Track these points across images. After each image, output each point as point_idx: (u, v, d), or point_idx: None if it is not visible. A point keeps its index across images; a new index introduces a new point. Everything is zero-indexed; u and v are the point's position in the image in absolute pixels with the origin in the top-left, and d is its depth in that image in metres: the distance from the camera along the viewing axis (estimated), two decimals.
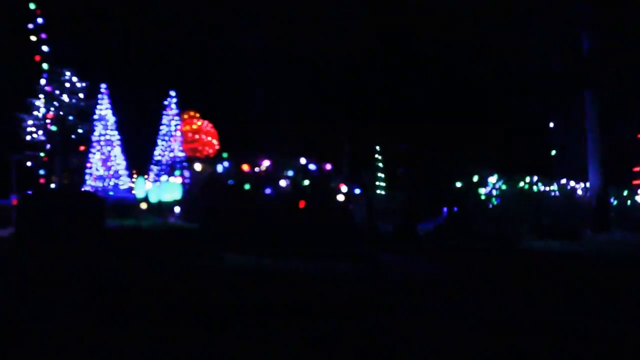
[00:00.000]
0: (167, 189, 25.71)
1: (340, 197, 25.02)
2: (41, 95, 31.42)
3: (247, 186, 23.93)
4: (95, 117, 34.30)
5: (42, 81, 31.12)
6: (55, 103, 31.95)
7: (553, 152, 41.17)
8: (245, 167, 24.44)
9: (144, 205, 27.09)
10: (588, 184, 33.08)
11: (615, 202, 36.90)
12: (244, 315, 10.22)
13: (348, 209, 25.68)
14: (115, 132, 34.66)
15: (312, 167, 24.85)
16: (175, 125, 37.08)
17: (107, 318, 9.88)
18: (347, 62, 40.98)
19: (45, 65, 30.98)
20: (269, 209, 23.35)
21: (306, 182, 24.36)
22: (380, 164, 41.91)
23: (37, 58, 30.63)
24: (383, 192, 40.04)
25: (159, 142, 36.75)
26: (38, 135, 31.36)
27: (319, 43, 39.65)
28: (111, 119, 34.69)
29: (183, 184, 26.39)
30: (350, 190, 26.10)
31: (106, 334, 8.84)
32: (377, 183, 40.73)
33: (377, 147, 41.84)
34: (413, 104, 41.00)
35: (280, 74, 40.40)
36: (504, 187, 31.78)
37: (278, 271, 15.88)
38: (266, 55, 40.98)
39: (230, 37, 42.40)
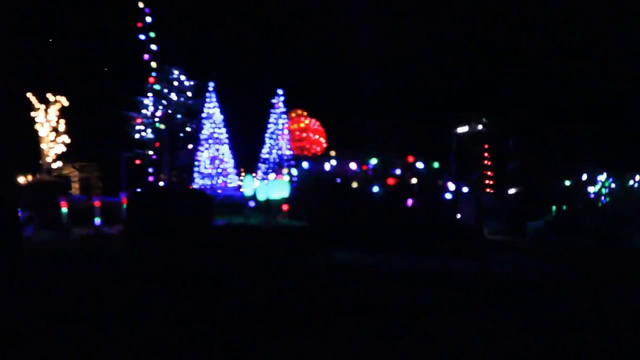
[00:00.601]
0: (275, 187, 25.47)
1: (448, 196, 24.60)
2: (150, 94, 31.64)
3: (354, 184, 23.66)
4: (204, 115, 34.41)
5: (151, 80, 31.36)
6: (164, 101, 32.12)
7: None
8: (353, 166, 24.17)
9: (252, 204, 27.01)
10: None
11: None
12: (350, 313, 10.19)
13: (456, 207, 25.30)
14: (223, 130, 34.74)
15: (419, 165, 24.47)
16: (283, 124, 36.91)
17: (212, 314, 9.90)
18: (455, 55, 40.25)
19: (153, 64, 31.22)
20: (377, 207, 23.10)
21: (414, 181, 23.99)
22: (489, 161, 40.98)
23: (146, 57, 30.92)
24: (491, 190, 39.19)
25: (267, 140, 36.66)
26: (147, 133, 31.62)
27: (425, 38, 39.06)
28: (219, 117, 34.77)
29: (291, 182, 26.26)
30: (458, 188, 25.67)
31: (210, 330, 8.83)
32: (485, 181, 39.79)
33: (485, 144, 40.86)
34: (522, 100, 40.03)
35: (385, 71, 39.94)
36: (613, 185, 30.92)
37: (385, 269, 15.97)
38: (372, 52, 40.55)
39: (337, 35, 42.13)
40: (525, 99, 39.91)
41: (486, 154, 40.53)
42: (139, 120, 31.75)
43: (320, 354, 7.84)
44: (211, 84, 34.87)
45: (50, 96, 32.72)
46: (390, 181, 23.87)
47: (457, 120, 39.65)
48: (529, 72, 40.40)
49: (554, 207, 30.83)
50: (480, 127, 39.17)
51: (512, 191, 32.80)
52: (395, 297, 11.79)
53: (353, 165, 24.30)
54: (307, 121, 39.44)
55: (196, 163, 34.19)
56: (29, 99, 32.20)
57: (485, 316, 10.14)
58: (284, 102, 37.39)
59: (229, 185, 33.95)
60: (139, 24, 30.59)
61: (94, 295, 11.14)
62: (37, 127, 32.52)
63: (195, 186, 33.32)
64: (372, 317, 9.97)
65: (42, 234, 22.77)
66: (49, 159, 32.74)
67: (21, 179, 28.04)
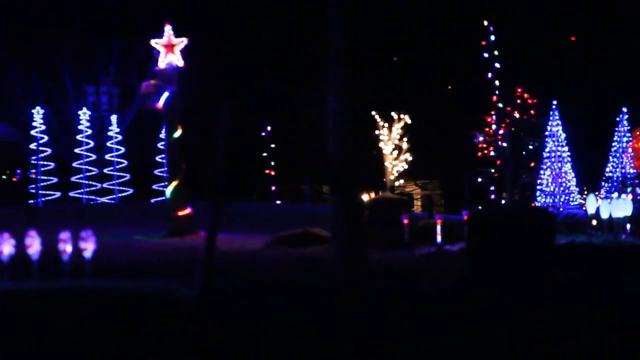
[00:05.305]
0: (619, 206, 24.77)
1: None
2: (493, 112, 31.81)
3: None
4: (546, 133, 34.11)
5: (494, 98, 31.50)
6: (507, 120, 32.16)
7: None
8: None
9: (594, 222, 26.40)
10: None
11: None
12: None
13: None
14: (566, 148, 34.20)
15: None
16: (627, 142, 35.72)
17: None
18: None
19: (497, 82, 31.36)
20: None
21: None
22: None
23: (490, 75, 31.17)
24: None
25: (610, 158, 35.66)
26: (489, 151, 31.77)
27: None
28: (561, 135, 34.29)
29: (634, 200, 25.44)
30: None
31: None
32: None
33: None
34: None
35: None
36: None
37: None
38: None
39: None
40: None
41: None
42: (481, 139, 32.02)
43: None
44: (554, 102, 34.51)
45: (394, 114, 33.73)
46: None
47: None
48: None
49: None
50: None
51: None
52: None
53: None
54: None
55: (538, 181, 33.97)
56: (374, 117, 33.43)
57: None
58: (628, 119, 36.23)
59: (571, 204, 33.37)
60: (483, 42, 30.92)
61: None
62: (381, 145, 33.64)
63: (537, 204, 33.05)
64: None
65: (384, 252, 23.49)
66: (392, 177, 33.74)
67: (365, 196, 29.25)
